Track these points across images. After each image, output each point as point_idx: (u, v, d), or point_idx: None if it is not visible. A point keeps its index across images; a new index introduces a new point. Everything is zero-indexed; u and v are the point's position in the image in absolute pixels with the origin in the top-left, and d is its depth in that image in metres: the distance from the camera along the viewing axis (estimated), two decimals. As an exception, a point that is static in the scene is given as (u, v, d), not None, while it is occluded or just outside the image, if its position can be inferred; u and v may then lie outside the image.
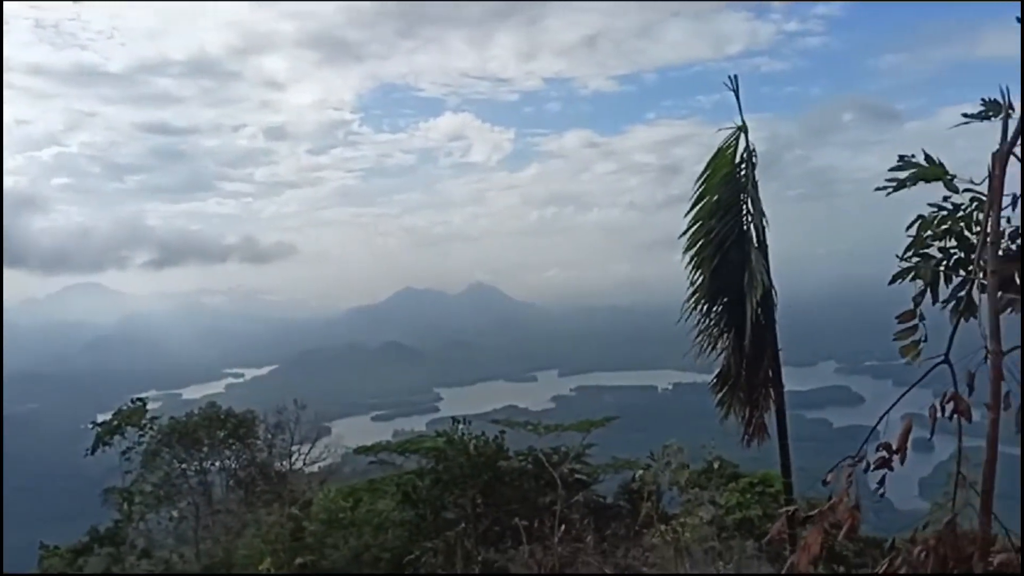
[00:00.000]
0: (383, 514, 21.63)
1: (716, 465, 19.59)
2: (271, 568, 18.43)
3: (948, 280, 5.30)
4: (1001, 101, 4.83)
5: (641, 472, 18.98)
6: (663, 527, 16.78)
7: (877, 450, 5.10)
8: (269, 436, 26.87)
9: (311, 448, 27.71)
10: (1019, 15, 4.67)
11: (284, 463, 27.00)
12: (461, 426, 22.00)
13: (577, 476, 21.64)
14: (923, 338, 5.13)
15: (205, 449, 26.06)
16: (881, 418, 5.31)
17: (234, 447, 26.38)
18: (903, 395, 5.25)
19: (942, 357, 5.11)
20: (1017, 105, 4.75)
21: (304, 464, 27.36)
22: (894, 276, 5.37)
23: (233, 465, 26.58)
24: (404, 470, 23.11)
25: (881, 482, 4.99)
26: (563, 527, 17.55)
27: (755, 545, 18.27)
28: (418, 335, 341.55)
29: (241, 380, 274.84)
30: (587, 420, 23.19)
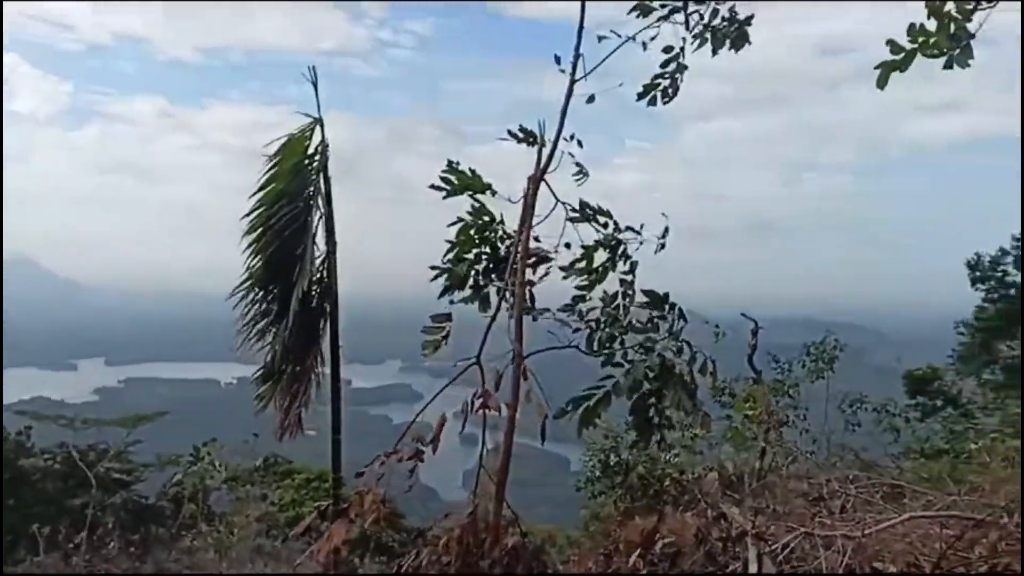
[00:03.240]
0: None
1: (270, 461, 19.32)
2: None
3: (478, 284, 5.80)
4: (537, 133, 5.45)
5: (181, 471, 17.97)
6: (205, 527, 16.00)
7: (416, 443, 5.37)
8: None
9: None
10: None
11: None
12: (-30, 419, 18.72)
13: (116, 476, 19.73)
14: (445, 338, 5.53)
15: None
16: (417, 415, 5.64)
17: None
18: (437, 394, 5.62)
19: (474, 359, 5.62)
20: (549, 139, 5.37)
21: None
22: (435, 276, 5.72)
23: None
24: None
25: (412, 472, 5.24)
26: (92, 532, 15.82)
27: (306, 541, 18.29)
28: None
29: None
30: (134, 414, 21.35)
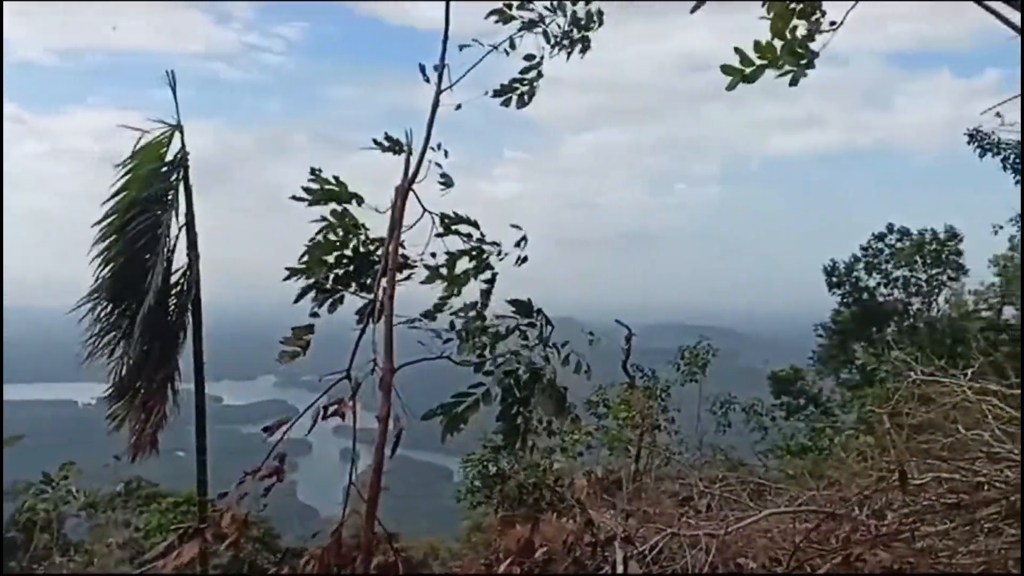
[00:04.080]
0: None
1: (133, 485, 18.29)
2: None
3: (336, 289, 5.62)
4: (404, 141, 5.37)
5: (31, 498, 16.78)
6: (60, 558, 14.97)
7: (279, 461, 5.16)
8: None
9: None
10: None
11: None
12: None
13: (-39, 508, 18.17)
14: (304, 349, 5.37)
15: None
16: (286, 431, 5.43)
17: None
18: (306, 409, 5.43)
19: (344, 372, 5.47)
20: (417, 148, 5.31)
21: None
22: (288, 277, 5.52)
23: None
24: None
25: (267, 491, 5.04)
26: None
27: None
28: None
29: None
30: (-15, 440, 19.71)
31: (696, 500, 7.04)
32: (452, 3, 5.75)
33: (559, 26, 5.72)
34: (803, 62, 4.57)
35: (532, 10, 5.69)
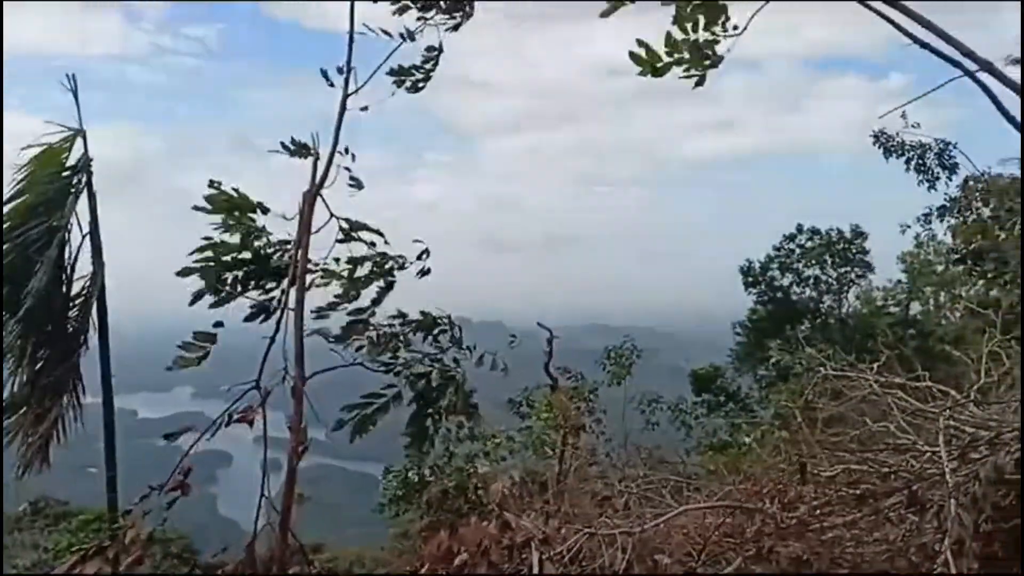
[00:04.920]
0: None
1: (40, 504, 17.51)
2: None
3: (235, 292, 5.45)
4: (311, 145, 5.26)
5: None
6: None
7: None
8: None
9: None
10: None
11: None
12: None
13: None
14: (202, 358, 5.21)
15: None
16: (194, 444, 5.26)
17: None
18: (215, 422, 5.26)
19: (253, 382, 5.33)
20: (324, 152, 5.21)
21: None
22: (181, 272, 5.34)
23: None
24: None
25: (169, 506, 4.88)
26: None
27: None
28: None
29: None
30: None
31: (615, 499, 7.11)
32: (360, 5, 5.69)
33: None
34: (707, 63, 4.67)
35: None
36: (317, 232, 5.21)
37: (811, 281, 29.49)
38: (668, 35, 4.65)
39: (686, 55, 4.62)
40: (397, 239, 5.73)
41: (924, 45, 5.17)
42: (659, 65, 4.69)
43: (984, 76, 5.52)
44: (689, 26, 4.56)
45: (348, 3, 5.66)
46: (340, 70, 5.58)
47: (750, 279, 30.06)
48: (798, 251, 29.58)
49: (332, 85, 5.42)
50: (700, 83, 4.75)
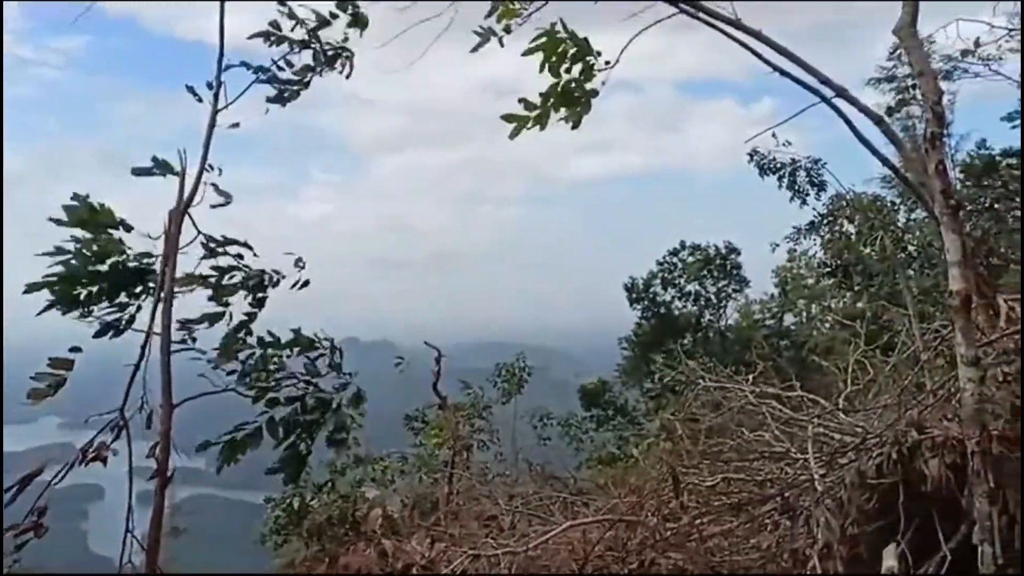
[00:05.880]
0: None
1: None
2: None
3: (86, 307, 5.13)
4: (180, 162, 5.04)
5: None
6: None
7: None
8: None
9: None
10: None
11: None
12: None
13: None
14: (57, 387, 4.88)
15: None
16: (49, 485, 4.92)
17: None
18: (80, 453, 4.93)
19: (117, 411, 5.02)
20: (192, 171, 5.00)
21: None
22: (27, 290, 4.99)
23: None
24: None
25: (19, 548, 4.53)
26: None
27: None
28: None
29: None
30: None
31: (502, 518, 7.08)
32: (239, 18, 5.53)
33: (327, 43, 5.63)
34: (578, 108, 4.81)
35: (304, 25, 5.55)
36: (184, 250, 4.97)
37: (692, 296, 30.49)
38: (541, 93, 4.78)
39: (557, 103, 4.74)
40: (284, 260, 5.55)
41: (784, 73, 5.46)
42: (533, 116, 4.80)
43: (841, 101, 5.88)
44: (558, 65, 4.68)
45: (220, 15, 5.49)
46: (210, 85, 5.38)
47: (634, 295, 30.82)
48: (680, 267, 30.55)
49: (200, 100, 5.22)
50: (576, 125, 4.88)
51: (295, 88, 5.56)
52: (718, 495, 6.92)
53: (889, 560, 4.65)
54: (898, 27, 4.91)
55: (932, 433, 5.18)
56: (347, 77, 5.63)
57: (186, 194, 4.95)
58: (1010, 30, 16.06)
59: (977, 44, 17.20)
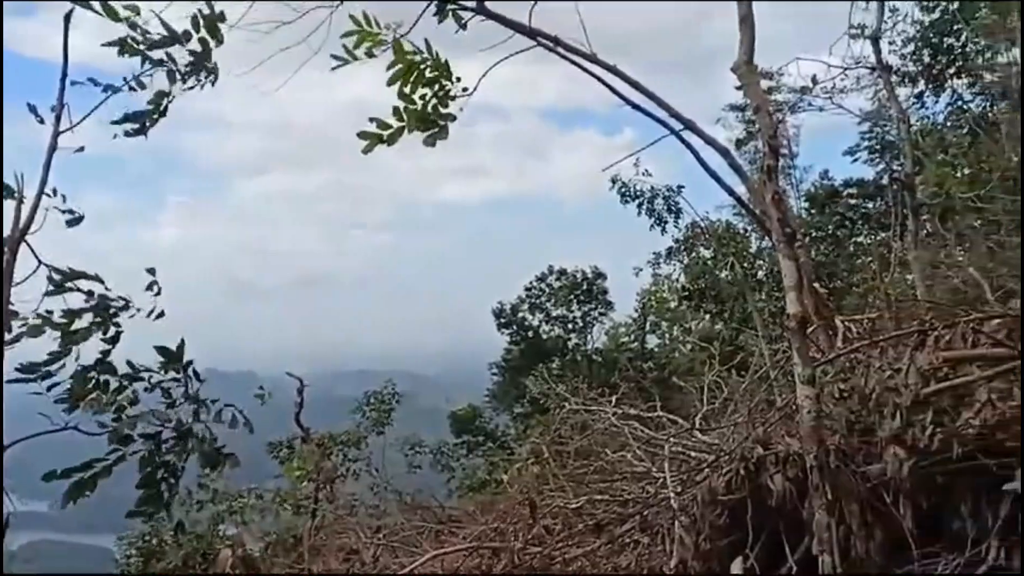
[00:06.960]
0: None
1: None
2: None
3: None
4: (15, 186, 4.73)
5: None
6: None
7: None
8: None
9: None
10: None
11: None
12: None
13: None
14: None
15: None
16: None
17: None
18: None
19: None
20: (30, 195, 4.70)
21: None
22: None
23: None
24: None
25: None
26: None
27: None
28: None
29: None
30: None
31: (363, 552, 6.92)
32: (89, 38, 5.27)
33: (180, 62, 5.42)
34: (436, 129, 4.86)
35: (160, 46, 5.33)
36: (22, 283, 4.64)
37: (560, 320, 31.04)
38: (395, 108, 4.79)
39: (411, 123, 4.78)
40: (136, 288, 5.25)
41: (635, 107, 5.70)
42: (387, 134, 4.81)
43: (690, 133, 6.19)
44: (412, 91, 4.73)
45: (65, 31, 5.20)
46: (53, 108, 5.09)
47: (503, 320, 31.08)
48: (547, 291, 31.07)
49: (42, 122, 4.91)
50: (432, 143, 4.92)
51: (154, 116, 5.31)
52: (582, 517, 7.03)
53: (736, 570, 4.85)
54: (736, 65, 5.22)
55: (776, 449, 5.46)
56: (212, 84, 5.41)
57: (22, 221, 4.62)
58: (844, 68, 17.48)
59: (814, 81, 18.65)
